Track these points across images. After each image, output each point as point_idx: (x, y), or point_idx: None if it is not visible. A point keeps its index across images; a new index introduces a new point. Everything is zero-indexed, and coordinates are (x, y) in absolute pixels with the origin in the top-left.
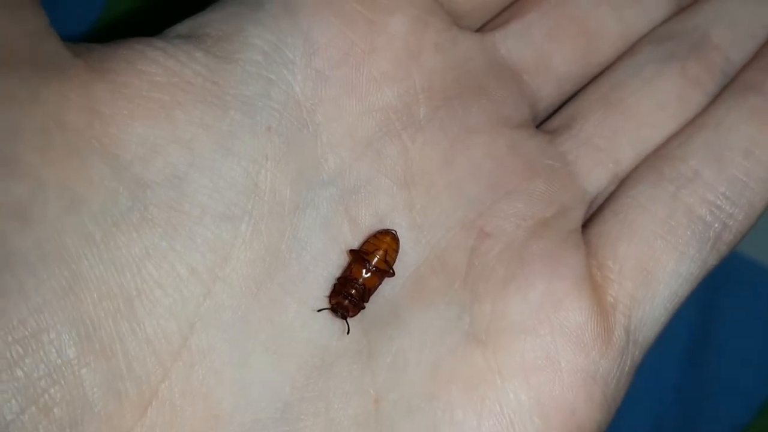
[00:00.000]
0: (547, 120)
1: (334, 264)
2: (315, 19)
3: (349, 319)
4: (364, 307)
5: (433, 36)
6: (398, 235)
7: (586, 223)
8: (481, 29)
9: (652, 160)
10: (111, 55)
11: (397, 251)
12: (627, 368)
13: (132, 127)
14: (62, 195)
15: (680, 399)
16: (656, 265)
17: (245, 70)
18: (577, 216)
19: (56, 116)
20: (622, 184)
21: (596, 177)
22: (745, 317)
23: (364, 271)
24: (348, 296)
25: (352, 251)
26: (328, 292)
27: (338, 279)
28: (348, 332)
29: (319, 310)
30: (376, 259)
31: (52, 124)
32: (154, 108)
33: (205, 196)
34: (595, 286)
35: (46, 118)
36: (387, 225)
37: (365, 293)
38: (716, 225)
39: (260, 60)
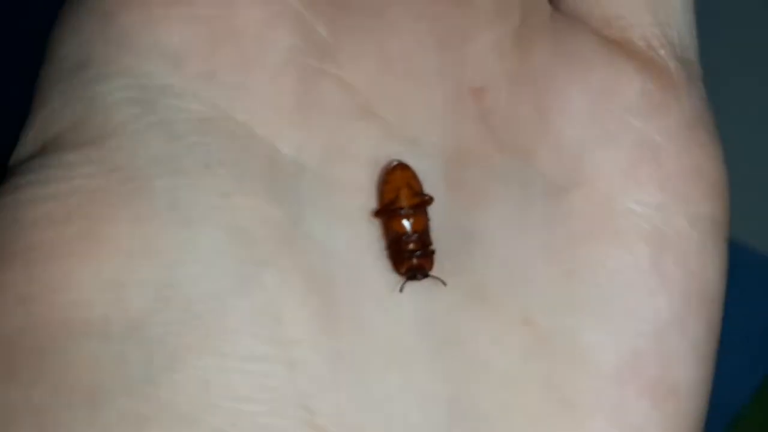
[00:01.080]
0: None
1: (373, 236)
2: (152, 29)
3: (432, 273)
4: (434, 251)
5: None
6: (402, 159)
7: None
8: None
9: None
10: None
11: (416, 176)
12: (702, 90)
13: (77, 283)
14: (74, 400)
15: None
16: None
17: (132, 132)
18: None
19: None
20: None
21: None
22: (738, 302)
23: (404, 221)
24: (412, 254)
25: (377, 213)
26: (392, 273)
27: (388, 246)
28: (444, 284)
29: (401, 290)
30: (404, 201)
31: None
32: (81, 245)
33: (206, 283)
34: (621, 46)
35: None
36: (383, 163)
37: (424, 237)
38: None
39: (137, 111)
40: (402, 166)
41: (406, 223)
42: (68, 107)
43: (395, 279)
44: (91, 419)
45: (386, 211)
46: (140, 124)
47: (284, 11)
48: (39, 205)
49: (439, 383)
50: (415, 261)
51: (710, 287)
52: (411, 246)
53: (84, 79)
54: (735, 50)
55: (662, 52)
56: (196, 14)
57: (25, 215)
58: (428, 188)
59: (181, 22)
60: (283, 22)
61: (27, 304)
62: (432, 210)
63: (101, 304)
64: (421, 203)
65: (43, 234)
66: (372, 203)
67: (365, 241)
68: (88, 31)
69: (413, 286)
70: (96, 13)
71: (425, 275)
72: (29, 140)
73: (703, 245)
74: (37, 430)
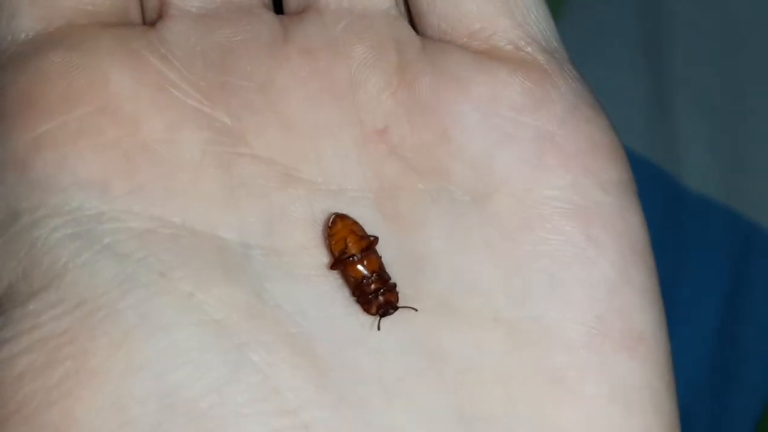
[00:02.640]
0: None
1: (335, 288)
2: (68, 167)
3: (400, 305)
4: (395, 284)
5: (152, 54)
6: (338, 210)
7: (418, 25)
8: (152, 18)
9: None
10: None
11: (356, 222)
12: (574, 71)
13: (81, 421)
14: None
15: (711, 372)
16: None
17: (82, 266)
18: (408, 31)
19: None
20: None
21: None
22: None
23: (358, 266)
24: (376, 293)
25: (332, 265)
26: (362, 315)
27: (353, 293)
28: (416, 310)
29: (378, 328)
30: (353, 247)
31: None
32: (70, 386)
33: (200, 380)
34: (489, 54)
35: None
36: (319, 219)
37: (381, 275)
38: None
39: (79, 244)
40: (341, 217)
41: (362, 268)
42: (12, 259)
43: (368, 319)
44: None
45: (340, 262)
46: (86, 255)
47: (184, 113)
48: (18, 361)
49: (441, 398)
50: (381, 299)
51: (638, 238)
52: (373, 286)
53: (19, 230)
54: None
55: (529, 49)
56: (104, 141)
57: (8, 374)
58: (369, 229)
59: (93, 151)
60: (187, 123)
61: None
62: (379, 247)
63: (111, 431)
64: (368, 245)
65: (32, 385)
66: (321, 258)
67: (328, 294)
68: (9, 183)
69: (387, 320)
70: (12, 164)
71: (395, 308)
72: None
73: (620, 206)
74: None
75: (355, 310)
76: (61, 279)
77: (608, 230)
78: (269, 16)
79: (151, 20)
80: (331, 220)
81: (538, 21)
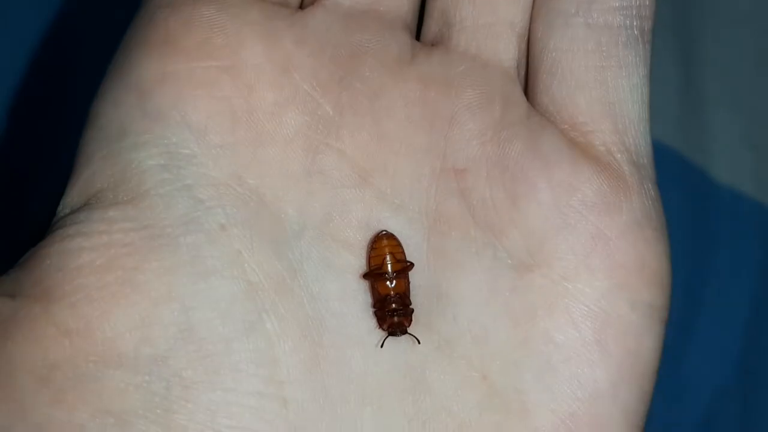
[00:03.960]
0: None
1: (361, 293)
2: (182, 104)
3: (410, 330)
4: (413, 311)
5: (288, 37)
6: (387, 227)
7: (530, 95)
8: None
9: (541, 6)
10: (40, 273)
11: (399, 245)
12: (652, 191)
13: (112, 321)
14: (106, 423)
15: (740, 374)
16: (616, 92)
17: (162, 195)
18: (520, 97)
19: (43, 362)
20: (533, 41)
21: (506, 50)
22: None
23: (388, 283)
24: (393, 313)
25: (365, 275)
26: (374, 324)
27: (373, 305)
28: (419, 342)
29: (382, 345)
30: (389, 267)
31: (46, 372)
32: (117, 290)
33: (217, 327)
34: (582, 148)
35: (37, 371)
36: (374, 226)
37: (404, 299)
38: (635, 23)
39: (166, 177)
40: (388, 236)
41: (390, 286)
42: (108, 170)
43: (377, 327)
44: None
45: (373, 275)
46: (168, 187)
47: (296, 94)
48: (84, 255)
49: (406, 422)
50: (396, 319)
51: (644, 363)
52: (393, 306)
53: (122, 147)
54: None
55: (618, 156)
56: (219, 95)
57: (72, 263)
58: (410, 250)
59: (207, 101)
60: (294, 103)
61: (71, 338)
62: (412, 273)
63: (132, 340)
64: (402, 269)
65: (87, 280)
66: (361, 261)
67: (353, 293)
68: (126, 105)
69: (393, 339)
70: (134, 90)
71: (403, 332)
72: (75, 193)
73: (641, 327)
74: None
75: (370, 316)
76: (141, 200)
77: (619, 344)
78: (404, 38)
79: (308, 3)
80: (378, 235)
81: (637, 135)
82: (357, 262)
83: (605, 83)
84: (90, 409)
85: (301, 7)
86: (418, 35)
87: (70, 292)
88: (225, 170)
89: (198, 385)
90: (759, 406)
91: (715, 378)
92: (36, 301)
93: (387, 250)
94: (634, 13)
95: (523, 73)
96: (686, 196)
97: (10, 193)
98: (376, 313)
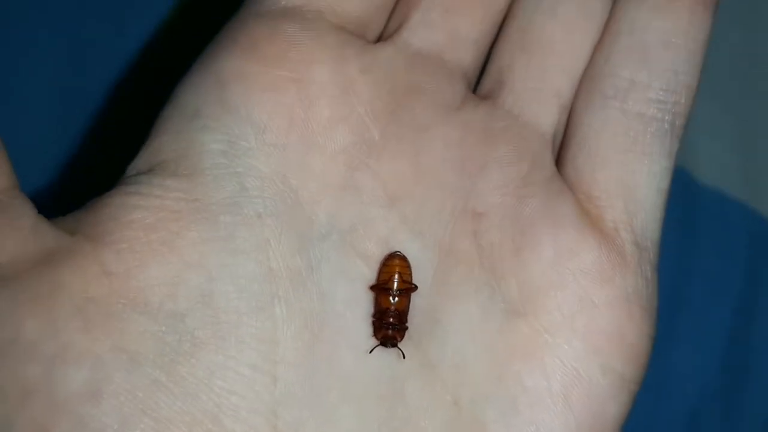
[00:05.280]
0: (479, 81)
1: (365, 301)
2: (250, 102)
3: (399, 345)
4: (407, 328)
5: (354, 64)
6: (403, 250)
7: (559, 162)
8: (388, 35)
9: (588, 81)
10: (98, 218)
11: (409, 267)
12: (649, 273)
13: (147, 274)
14: (120, 359)
15: (723, 374)
16: (634, 176)
17: (215, 176)
18: (548, 161)
19: (83, 294)
20: (572, 113)
21: (546, 116)
22: None
23: (390, 298)
24: (389, 326)
25: (372, 287)
26: (371, 331)
27: (373, 315)
28: (404, 357)
29: (371, 351)
30: (395, 284)
31: (83, 303)
32: (158, 248)
33: (234, 300)
34: (593, 220)
35: (76, 300)
36: (392, 245)
37: (402, 316)
38: (668, 117)
39: (223, 161)
40: (400, 257)
41: (392, 301)
42: (175, 144)
43: (370, 339)
44: (126, 378)
45: (379, 288)
46: (222, 171)
47: (350, 115)
48: (137, 212)
49: (377, 425)
50: (390, 332)
51: (605, 428)
52: (390, 320)
53: (192, 127)
54: None
55: (624, 235)
56: (283, 101)
57: (126, 216)
58: (418, 274)
59: (271, 103)
60: (347, 122)
61: (111, 279)
62: (414, 295)
63: (160, 294)
64: (406, 289)
65: (134, 233)
66: (374, 273)
67: (358, 300)
68: (205, 91)
69: (383, 349)
70: (214, 80)
71: (394, 345)
72: (143, 158)
73: (608, 393)
74: (92, 373)
75: (369, 324)
76: (197, 177)
77: (584, 404)
78: (459, 86)
79: (387, 35)
80: (392, 253)
81: (646, 221)
82: (369, 273)
83: (626, 166)
84: (110, 344)
85: (379, 40)
86: (477, 88)
87: (119, 240)
88: (273, 167)
89: (205, 346)
90: (742, 403)
91: (699, 375)
92: (89, 241)
93: (397, 269)
94: (668, 108)
95: (559, 140)
96: (672, 197)
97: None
98: (374, 323)
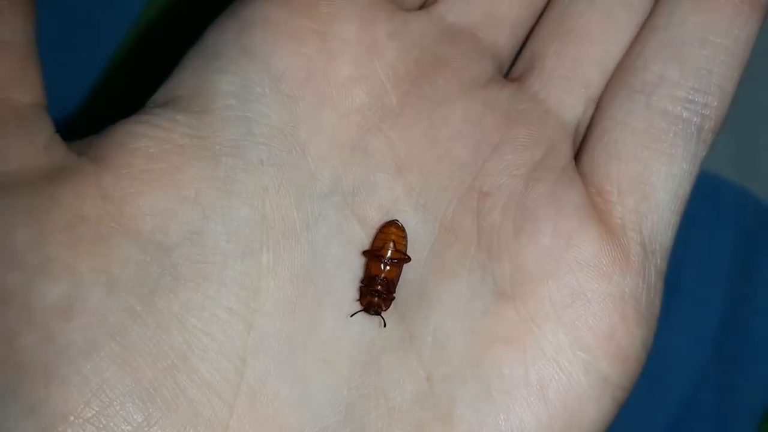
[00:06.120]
0: (512, 66)
1: (357, 265)
2: (270, 48)
3: (383, 313)
4: (393, 298)
5: (383, 26)
6: (403, 220)
7: (578, 154)
8: (425, 5)
9: (619, 74)
10: (106, 143)
11: (405, 237)
12: (653, 279)
13: (142, 202)
14: (99, 281)
15: (717, 364)
16: (650, 175)
17: (224, 117)
18: (566, 150)
19: (76, 212)
20: (598, 106)
21: (571, 106)
22: None
23: (382, 266)
24: (375, 293)
25: (365, 252)
26: (357, 295)
27: (362, 280)
28: (384, 325)
29: (353, 315)
30: (389, 253)
31: (74, 220)
32: (156, 178)
33: (222, 241)
34: (600, 214)
35: (68, 216)
36: (393, 214)
37: (390, 285)
38: (695, 118)
39: (234, 103)
40: (398, 226)
41: (383, 269)
42: (192, 81)
43: (355, 303)
44: (101, 300)
45: (371, 254)
46: (231, 113)
47: (370, 76)
48: (143, 141)
49: (346, 389)
50: (375, 299)
51: (581, 428)
52: (378, 287)
53: (209, 67)
54: None
55: (630, 234)
56: (303, 51)
57: (132, 143)
58: (414, 247)
59: (290, 52)
60: (365, 83)
61: (105, 201)
62: (406, 266)
63: (151, 224)
64: (400, 260)
65: (137, 160)
66: (370, 239)
67: (350, 264)
68: (227, 34)
69: (366, 316)
70: (239, 23)
71: (377, 313)
72: (163, 92)
73: (588, 394)
74: (68, 289)
75: (356, 289)
76: (206, 115)
77: (560, 399)
78: (487, 65)
79: (425, 6)
80: (390, 221)
81: (657, 224)
82: (365, 238)
83: (642, 163)
84: (92, 264)
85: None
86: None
87: (120, 165)
88: (283, 117)
89: (186, 282)
90: (735, 386)
91: (691, 363)
92: (92, 163)
93: (392, 237)
94: (697, 108)
95: (582, 133)
96: None
97: None
98: (361, 288)
